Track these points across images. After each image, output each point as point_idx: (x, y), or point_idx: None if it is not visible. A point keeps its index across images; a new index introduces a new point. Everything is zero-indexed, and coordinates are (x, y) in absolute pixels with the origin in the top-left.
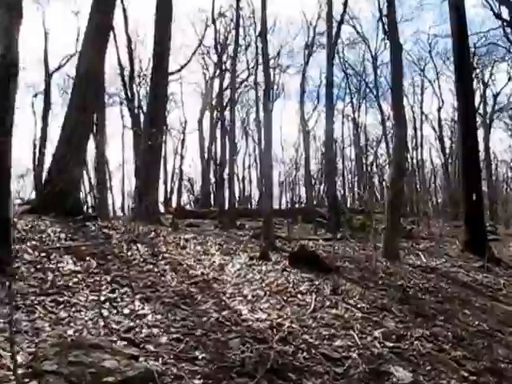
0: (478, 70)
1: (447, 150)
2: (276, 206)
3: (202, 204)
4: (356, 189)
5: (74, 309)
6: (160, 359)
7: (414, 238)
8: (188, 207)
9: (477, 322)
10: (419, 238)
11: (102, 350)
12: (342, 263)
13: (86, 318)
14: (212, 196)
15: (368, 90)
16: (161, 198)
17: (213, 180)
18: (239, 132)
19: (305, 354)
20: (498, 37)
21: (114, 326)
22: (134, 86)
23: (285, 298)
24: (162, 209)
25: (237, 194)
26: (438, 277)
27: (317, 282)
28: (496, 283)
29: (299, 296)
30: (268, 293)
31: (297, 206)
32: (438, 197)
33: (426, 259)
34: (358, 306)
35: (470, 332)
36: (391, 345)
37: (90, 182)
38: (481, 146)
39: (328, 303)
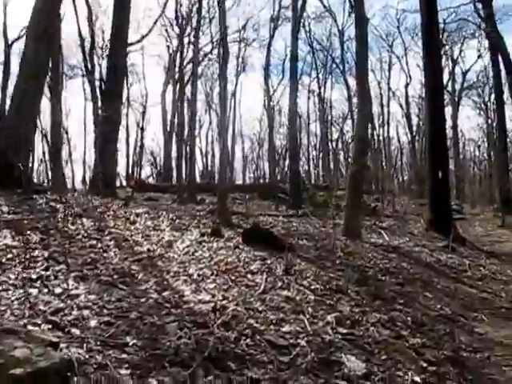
0: (447, 47)
1: (414, 128)
2: (239, 182)
3: (164, 178)
4: (320, 165)
5: (0, 287)
6: (85, 346)
7: (378, 215)
8: (150, 181)
9: (439, 306)
10: (383, 216)
11: (15, 335)
12: (299, 241)
13: (13, 298)
14: (175, 170)
15: (334, 66)
16: (124, 171)
17: (175, 154)
18: (203, 106)
19: (248, 340)
20: (468, 12)
21: (42, 307)
22: (96, 57)
23: (233, 277)
24: (123, 182)
25: (200, 169)
26: (399, 257)
27: (269, 261)
28: (461, 264)
29: (249, 276)
30: (216, 272)
31: (260, 181)
32: (404, 174)
33: (389, 238)
34: (312, 287)
35: (430, 317)
36: (344, 331)
37: (44, 154)
38: (448, 124)
39: (279, 284)
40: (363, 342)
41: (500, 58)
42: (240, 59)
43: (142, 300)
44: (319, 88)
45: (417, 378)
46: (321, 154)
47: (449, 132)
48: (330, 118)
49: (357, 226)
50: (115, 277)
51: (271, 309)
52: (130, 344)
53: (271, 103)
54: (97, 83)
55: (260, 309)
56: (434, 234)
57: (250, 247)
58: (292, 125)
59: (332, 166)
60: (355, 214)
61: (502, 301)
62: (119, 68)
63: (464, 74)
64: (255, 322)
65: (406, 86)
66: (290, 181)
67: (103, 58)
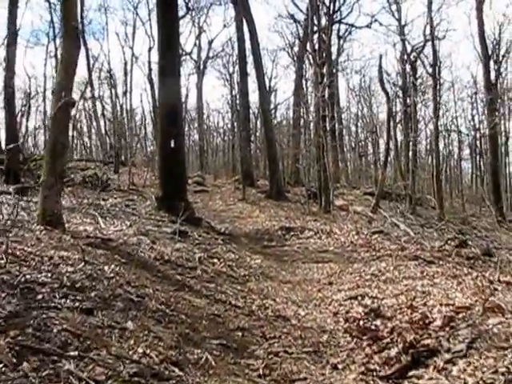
0: (193, 13)
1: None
2: None
3: None
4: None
5: None
6: None
7: (108, 191)
8: None
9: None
10: (113, 191)
11: None
12: None
13: None
14: None
15: None
16: None
17: None
18: None
19: None
20: None
21: None
22: None
23: None
24: None
25: None
26: (108, 256)
27: None
28: (190, 258)
29: None
30: None
31: None
32: (148, 145)
33: (106, 224)
34: None
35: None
36: None
37: None
38: (193, 92)
39: None
40: None
41: (246, 28)
42: None
43: None
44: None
45: None
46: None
47: (191, 101)
48: None
49: (56, 208)
50: None
51: None
52: None
53: None
54: None
55: None
56: (164, 214)
57: None
58: None
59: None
60: (54, 192)
61: (239, 316)
62: None
63: (210, 42)
64: None
65: (150, 49)
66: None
67: None
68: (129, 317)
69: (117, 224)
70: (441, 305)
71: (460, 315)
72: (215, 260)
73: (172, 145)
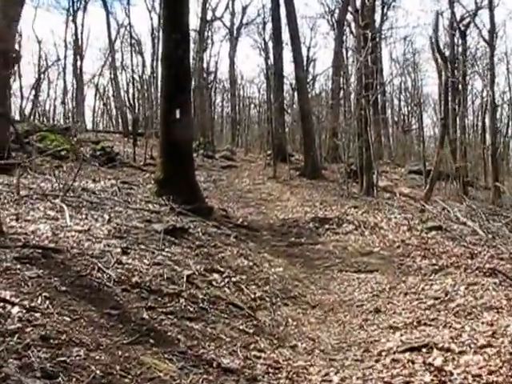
0: None
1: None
2: None
3: None
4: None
5: None
6: None
7: (114, 167)
8: None
9: None
10: (123, 167)
11: None
12: None
13: None
14: None
15: None
16: None
17: None
18: None
19: None
20: None
21: None
22: None
23: None
24: None
25: None
26: (42, 280)
27: None
28: (174, 277)
29: None
30: None
31: None
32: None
33: (74, 221)
34: None
35: None
36: None
37: None
38: (226, 62)
39: None
40: None
41: None
42: None
43: None
44: None
45: None
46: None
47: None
48: None
49: None
50: None
51: None
52: None
53: None
54: None
55: None
56: (164, 201)
57: None
58: None
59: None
60: None
61: None
62: None
63: (244, 8)
64: None
65: None
66: None
67: None
68: None
69: (90, 220)
70: None
71: None
72: (216, 275)
73: (177, 115)
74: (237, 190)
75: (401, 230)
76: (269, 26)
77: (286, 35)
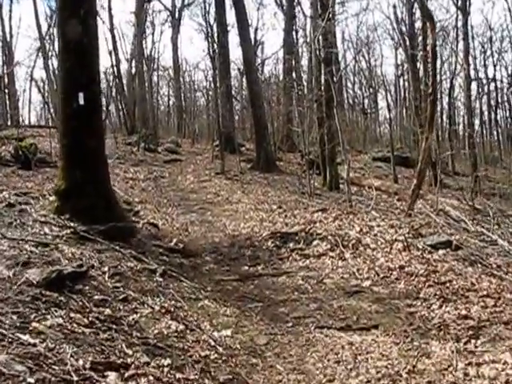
0: None
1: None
2: None
3: None
4: None
5: None
6: None
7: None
8: None
9: None
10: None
11: None
12: None
13: None
14: None
15: None
16: None
17: None
18: None
19: None
20: None
21: None
22: None
23: None
24: None
25: None
26: None
27: None
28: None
29: None
30: None
31: None
32: None
33: None
34: None
35: None
36: None
37: None
38: (165, 44)
39: None
40: None
41: None
42: None
43: None
44: None
45: None
46: None
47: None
48: None
49: None
50: None
51: None
52: None
53: None
54: None
55: None
56: (66, 222)
57: None
58: None
59: None
60: None
61: None
62: None
63: None
64: None
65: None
66: None
67: None
68: None
69: None
70: None
71: None
72: (112, 376)
73: (81, 101)
74: (179, 189)
75: (393, 249)
76: (213, 6)
77: (231, 17)
